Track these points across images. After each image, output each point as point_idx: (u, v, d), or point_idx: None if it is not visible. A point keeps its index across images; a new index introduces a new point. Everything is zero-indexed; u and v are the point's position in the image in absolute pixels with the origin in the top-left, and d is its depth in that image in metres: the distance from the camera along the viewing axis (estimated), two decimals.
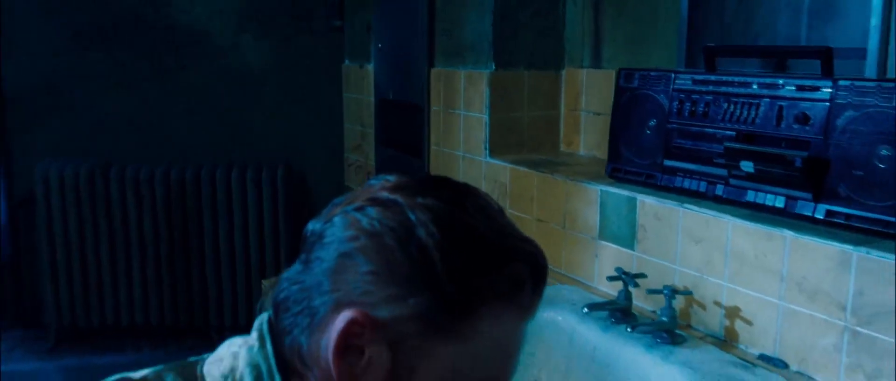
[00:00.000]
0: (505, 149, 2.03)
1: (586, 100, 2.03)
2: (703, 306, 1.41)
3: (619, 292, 1.43)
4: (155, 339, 3.52)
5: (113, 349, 3.51)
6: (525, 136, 2.06)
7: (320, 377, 0.68)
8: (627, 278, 1.42)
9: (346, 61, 3.08)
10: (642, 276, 1.44)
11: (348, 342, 0.65)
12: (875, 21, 1.32)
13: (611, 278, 1.46)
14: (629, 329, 1.34)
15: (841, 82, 1.24)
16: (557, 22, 2.06)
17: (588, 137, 2.03)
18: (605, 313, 1.44)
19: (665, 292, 1.35)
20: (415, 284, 0.65)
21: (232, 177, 3.34)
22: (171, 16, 3.74)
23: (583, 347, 1.39)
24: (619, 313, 1.42)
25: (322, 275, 0.68)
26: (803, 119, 1.27)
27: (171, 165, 3.50)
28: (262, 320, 0.73)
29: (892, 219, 1.16)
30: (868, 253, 1.13)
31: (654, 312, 1.47)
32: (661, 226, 1.49)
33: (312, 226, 0.72)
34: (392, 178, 0.73)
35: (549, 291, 1.54)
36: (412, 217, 0.67)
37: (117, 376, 0.72)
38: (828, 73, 1.30)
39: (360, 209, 0.68)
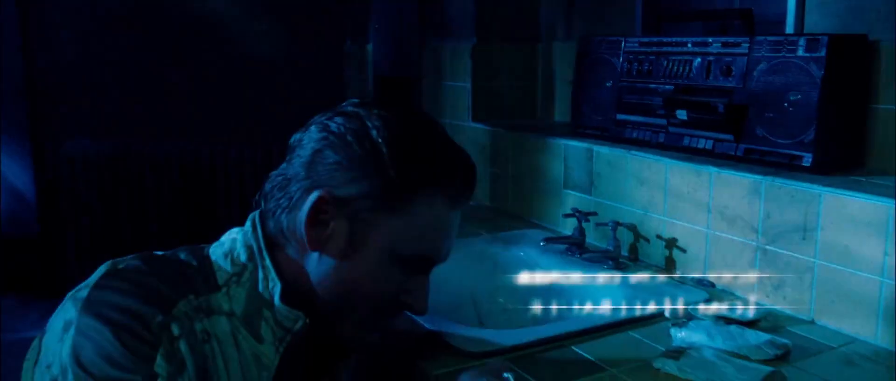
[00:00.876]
0: (486, 115, 2.23)
1: (560, 70, 2.22)
2: (647, 240, 1.60)
3: (574, 228, 1.63)
4: None
5: None
6: (505, 103, 2.26)
7: (296, 248, 0.89)
8: (580, 214, 1.61)
9: (348, 43, 3.29)
10: (593, 214, 1.64)
11: (317, 216, 0.86)
12: None
13: (566, 216, 1.66)
14: (579, 256, 1.54)
15: (757, 39, 1.43)
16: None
17: (561, 105, 2.22)
18: (562, 247, 1.63)
19: (609, 224, 1.55)
20: (367, 171, 0.86)
21: (245, 153, 3.57)
22: (189, 4, 3.96)
23: (535, 271, 1.59)
24: (574, 247, 1.62)
25: (299, 167, 0.88)
26: (726, 71, 1.46)
27: (188, 143, 3.73)
28: (254, 214, 0.94)
29: (798, 153, 1.35)
30: (773, 181, 1.33)
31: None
32: (613, 172, 1.68)
33: (295, 136, 0.93)
34: (356, 100, 0.94)
35: (516, 234, 1.75)
36: (368, 123, 0.87)
37: (139, 255, 0.92)
38: (749, 32, 1.49)
39: (329, 119, 0.90)
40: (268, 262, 0.89)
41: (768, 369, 1.05)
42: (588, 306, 1.39)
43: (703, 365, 1.07)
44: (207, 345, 0.83)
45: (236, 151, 3.63)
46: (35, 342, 0.83)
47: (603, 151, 1.71)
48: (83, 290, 0.82)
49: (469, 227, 1.87)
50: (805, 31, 1.49)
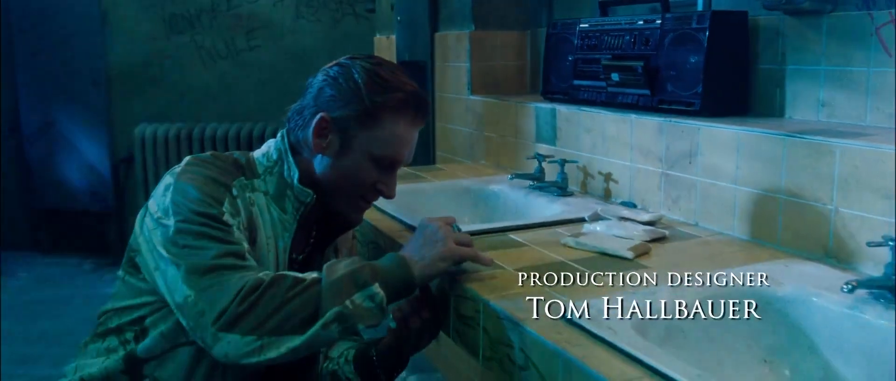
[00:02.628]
0: (482, 90, 2.69)
1: (543, 51, 2.67)
2: (592, 176, 2.05)
3: (535, 168, 2.09)
4: None
5: None
6: (499, 80, 2.73)
7: (308, 151, 1.37)
8: (539, 157, 2.07)
9: (377, 34, 3.80)
10: (551, 156, 2.09)
11: (320, 131, 1.34)
12: None
13: (528, 158, 2.12)
14: (534, 187, 2.00)
15: (667, 16, 1.87)
16: None
17: None
18: (526, 182, 2.09)
19: (558, 162, 2.00)
20: (351, 99, 1.34)
21: None
22: (241, 6, 4.53)
23: (507, 200, 2.06)
24: (534, 182, 2.08)
25: (309, 99, 1.37)
26: (645, 42, 1.91)
27: (242, 125, 4.28)
28: (282, 130, 1.43)
29: (692, 101, 1.79)
30: (671, 121, 1.77)
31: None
32: (570, 126, 2.13)
33: (308, 80, 1.41)
34: (349, 55, 1.42)
35: (494, 177, 2.20)
36: (352, 70, 1.36)
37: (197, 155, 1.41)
38: (666, 10, 1.93)
39: (330, 67, 1.38)
40: (290, 159, 1.38)
41: (638, 241, 1.50)
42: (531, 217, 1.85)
43: (593, 239, 1.52)
44: (253, 207, 1.32)
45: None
46: (142, 210, 1.33)
47: (563, 109, 2.16)
48: (176, 168, 1.32)
49: (465, 179, 2.33)
50: (711, 10, 1.92)
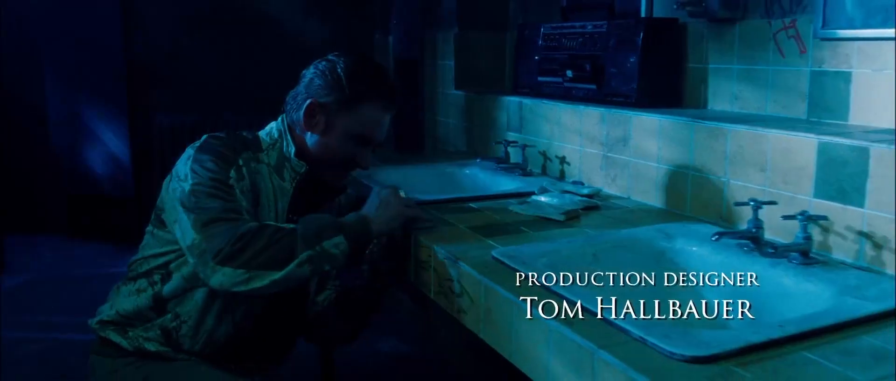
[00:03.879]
0: (465, 85, 3.02)
1: (514, 52, 2.99)
2: (550, 159, 2.37)
3: (501, 152, 2.41)
4: None
5: None
6: (481, 77, 3.05)
7: (301, 130, 1.70)
8: (505, 142, 2.39)
9: (377, 35, 4.13)
10: (515, 142, 2.41)
11: (310, 113, 1.67)
12: None
13: (497, 143, 2.44)
14: (500, 168, 2.32)
15: (613, 21, 2.19)
16: None
17: None
18: (493, 164, 2.41)
19: (519, 147, 2.32)
20: (335, 88, 1.66)
21: None
22: (255, 6, 4.87)
23: (476, 178, 2.38)
24: (500, 164, 2.39)
25: (302, 87, 1.70)
26: (594, 43, 2.23)
27: (253, 116, 4.61)
28: (282, 114, 1.76)
29: (629, 94, 2.10)
30: (611, 111, 2.08)
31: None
32: (534, 116, 2.45)
33: (302, 72, 1.74)
34: (336, 52, 1.75)
35: (468, 161, 2.52)
36: (336, 64, 1.68)
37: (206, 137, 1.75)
38: (612, 16, 2.25)
39: (319, 62, 1.71)
40: (288, 137, 1.71)
41: (572, 208, 1.82)
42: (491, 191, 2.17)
43: (534, 206, 1.84)
44: (257, 176, 1.65)
45: None
46: (168, 176, 1.66)
47: (527, 102, 2.48)
48: (197, 143, 1.64)
49: (445, 163, 2.65)
50: (646, 17, 2.23)
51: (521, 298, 1.22)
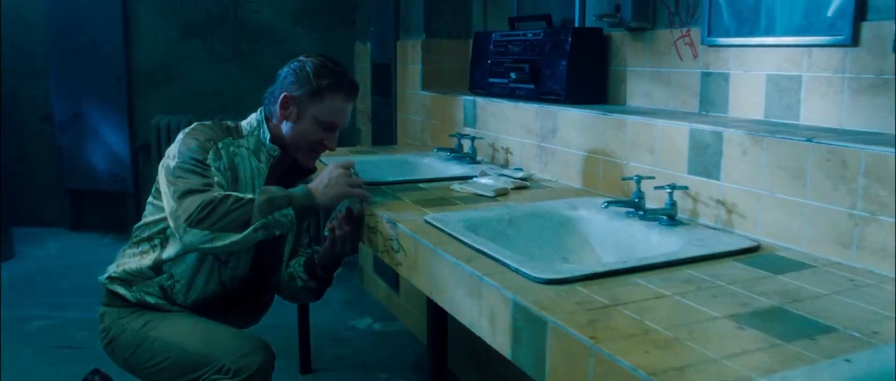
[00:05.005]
0: (432, 87, 3.37)
1: (471, 57, 3.34)
2: (497, 150, 2.71)
3: (456, 144, 2.76)
4: None
5: None
6: (445, 80, 3.40)
7: (277, 119, 2.04)
8: (459, 136, 2.74)
9: (357, 42, 4.48)
10: (467, 135, 2.75)
11: (284, 104, 2.02)
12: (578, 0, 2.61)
13: (451, 136, 2.79)
14: (453, 157, 2.67)
15: (547, 31, 2.54)
16: (466, 7, 3.40)
17: None
18: (448, 154, 2.76)
19: (470, 138, 2.67)
20: (304, 82, 2.01)
21: None
22: (246, 15, 5.22)
23: (432, 166, 2.72)
24: (452, 154, 2.74)
25: (278, 83, 2.05)
26: (533, 49, 2.57)
27: (245, 116, 4.95)
28: (262, 107, 2.10)
29: (559, 93, 2.45)
30: (544, 107, 2.43)
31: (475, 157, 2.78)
32: (486, 113, 2.80)
33: (278, 71, 2.08)
34: (305, 54, 2.10)
35: (428, 153, 2.87)
36: (306, 63, 2.03)
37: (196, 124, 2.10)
38: (549, 26, 2.60)
39: (292, 62, 2.06)
40: (265, 126, 2.05)
41: (503, 187, 2.16)
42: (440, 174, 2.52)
43: (472, 186, 2.19)
44: (236, 157, 1.99)
45: None
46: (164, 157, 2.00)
47: (481, 101, 2.83)
48: (187, 128, 1.98)
49: (409, 154, 3.00)
50: (573, 26, 2.58)
51: (439, 247, 1.57)
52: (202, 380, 1.89)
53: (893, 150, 1.36)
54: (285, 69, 2.06)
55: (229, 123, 2.08)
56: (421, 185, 2.31)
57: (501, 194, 2.14)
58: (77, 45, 5.19)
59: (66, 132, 5.31)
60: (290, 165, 2.10)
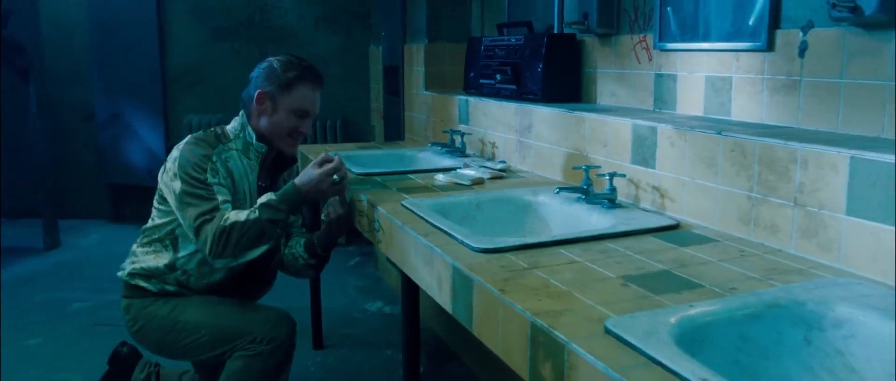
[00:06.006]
0: (434, 87, 3.65)
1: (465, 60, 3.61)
2: (486, 145, 2.99)
3: (448, 140, 3.04)
4: None
5: None
6: (446, 80, 3.68)
7: (256, 116, 2.32)
8: (451, 132, 3.02)
9: (371, 45, 4.78)
10: (458, 131, 3.03)
11: (260, 100, 2.30)
12: (557, 8, 2.87)
13: (444, 132, 3.07)
14: (445, 151, 2.95)
15: (528, 36, 2.81)
16: (465, 14, 3.68)
17: None
18: (444, 150, 3.04)
19: (460, 134, 2.95)
20: (274, 78, 2.29)
21: (316, 125, 5.08)
22: (272, 20, 5.55)
23: (427, 159, 3.01)
24: (445, 148, 3.02)
25: (252, 82, 2.33)
26: (515, 53, 2.84)
27: None
28: (242, 111, 2.39)
29: (537, 93, 2.71)
30: (522, 106, 2.70)
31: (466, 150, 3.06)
32: (477, 111, 3.08)
33: (250, 74, 2.38)
34: (275, 56, 2.39)
35: (425, 147, 3.16)
36: (274, 62, 2.31)
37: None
38: (530, 32, 2.87)
39: (261, 63, 2.35)
40: (249, 128, 2.34)
41: (479, 177, 2.44)
42: (430, 166, 2.80)
43: (454, 176, 2.47)
44: (229, 161, 2.28)
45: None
46: (163, 166, 2.30)
47: (472, 100, 3.11)
48: (181, 144, 2.26)
49: (409, 148, 3.29)
50: (549, 33, 2.84)
51: (407, 225, 1.86)
52: (238, 348, 2.19)
53: (781, 141, 1.61)
54: (256, 71, 2.33)
55: (217, 129, 2.34)
56: (410, 175, 2.60)
57: (477, 183, 2.41)
58: (115, 50, 5.57)
59: (106, 131, 5.69)
60: (274, 157, 2.38)
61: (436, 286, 1.66)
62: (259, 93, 2.28)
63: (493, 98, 2.97)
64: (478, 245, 1.62)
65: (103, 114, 5.67)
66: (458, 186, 2.38)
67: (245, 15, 5.49)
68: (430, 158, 3.00)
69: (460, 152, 2.96)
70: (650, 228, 1.79)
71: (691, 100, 2.20)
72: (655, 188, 2.00)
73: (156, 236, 2.32)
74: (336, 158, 2.26)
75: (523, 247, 1.63)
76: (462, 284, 1.50)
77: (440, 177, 2.49)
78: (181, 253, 2.28)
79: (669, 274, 1.45)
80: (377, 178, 2.53)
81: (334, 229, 2.39)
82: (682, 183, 1.91)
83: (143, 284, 2.31)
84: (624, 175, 2.04)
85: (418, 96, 3.74)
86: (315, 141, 5.18)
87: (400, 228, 1.89)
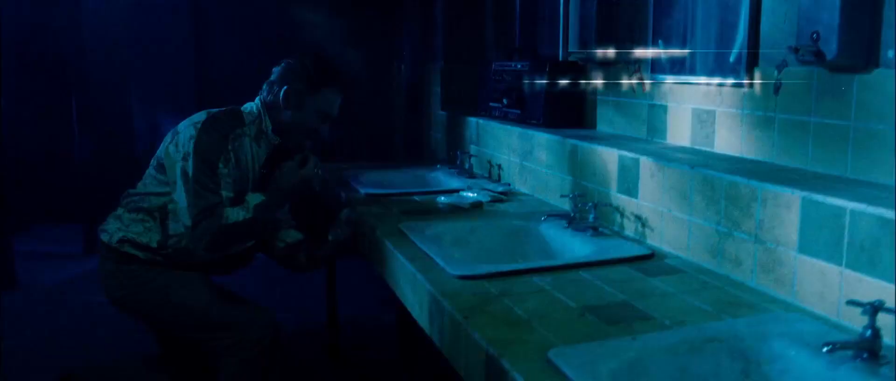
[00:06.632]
0: (449, 106, 3.77)
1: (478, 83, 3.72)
2: (493, 166, 3.10)
3: (459, 163, 3.16)
4: None
5: None
6: (460, 100, 3.80)
7: (278, 108, 2.44)
8: (460, 153, 3.14)
9: (397, 64, 4.93)
10: (467, 152, 3.15)
11: (287, 97, 2.42)
12: (561, 36, 2.97)
13: (452, 152, 3.19)
14: (453, 172, 3.07)
15: (533, 62, 2.91)
16: (481, 37, 3.79)
17: None
18: (454, 170, 3.16)
19: (468, 156, 3.07)
20: (302, 77, 2.40)
21: (339, 131, 5.24)
22: (301, 37, 5.73)
23: (436, 179, 3.13)
24: (457, 169, 3.14)
25: (276, 77, 2.45)
26: (520, 79, 2.95)
27: None
28: (259, 96, 2.52)
29: (539, 118, 2.81)
30: (524, 131, 2.80)
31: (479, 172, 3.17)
32: (485, 133, 3.19)
33: (274, 68, 2.51)
34: (302, 53, 2.51)
35: (438, 168, 3.29)
36: (303, 59, 2.43)
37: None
38: (533, 59, 2.97)
39: (291, 60, 2.47)
40: (265, 114, 2.47)
41: (479, 200, 2.55)
42: (436, 187, 2.92)
43: (455, 198, 2.58)
44: (241, 149, 2.39)
45: (338, 130, 5.33)
46: (169, 135, 2.44)
47: (482, 122, 3.22)
48: (200, 124, 2.39)
49: (421, 168, 3.41)
50: (550, 61, 2.93)
51: (398, 249, 1.98)
52: (223, 345, 2.31)
53: (744, 178, 1.69)
54: (284, 65, 2.43)
55: (234, 109, 2.44)
56: (414, 197, 2.73)
57: (475, 206, 2.53)
58: (153, 64, 5.80)
59: (144, 141, 5.92)
60: (278, 146, 2.46)
61: (418, 308, 1.78)
62: (287, 90, 2.36)
63: (499, 121, 3.08)
64: (456, 272, 1.73)
65: (141, 125, 5.91)
66: (456, 209, 2.49)
67: (276, 32, 5.69)
68: (438, 178, 3.12)
69: (468, 173, 3.08)
70: (625, 257, 1.88)
71: (680, 130, 2.28)
72: (638, 217, 2.09)
73: (144, 205, 2.35)
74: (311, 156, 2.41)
75: (498, 274, 1.74)
76: (436, 308, 1.62)
77: (442, 199, 2.61)
78: (170, 233, 2.32)
79: (627, 305, 1.54)
80: (383, 200, 2.65)
81: (338, 249, 2.51)
82: (660, 214, 2.00)
83: (133, 251, 2.34)
84: (607, 204, 2.14)
85: (436, 116, 3.86)
86: (339, 158, 5.33)
87: (391, 251, 2.01)
